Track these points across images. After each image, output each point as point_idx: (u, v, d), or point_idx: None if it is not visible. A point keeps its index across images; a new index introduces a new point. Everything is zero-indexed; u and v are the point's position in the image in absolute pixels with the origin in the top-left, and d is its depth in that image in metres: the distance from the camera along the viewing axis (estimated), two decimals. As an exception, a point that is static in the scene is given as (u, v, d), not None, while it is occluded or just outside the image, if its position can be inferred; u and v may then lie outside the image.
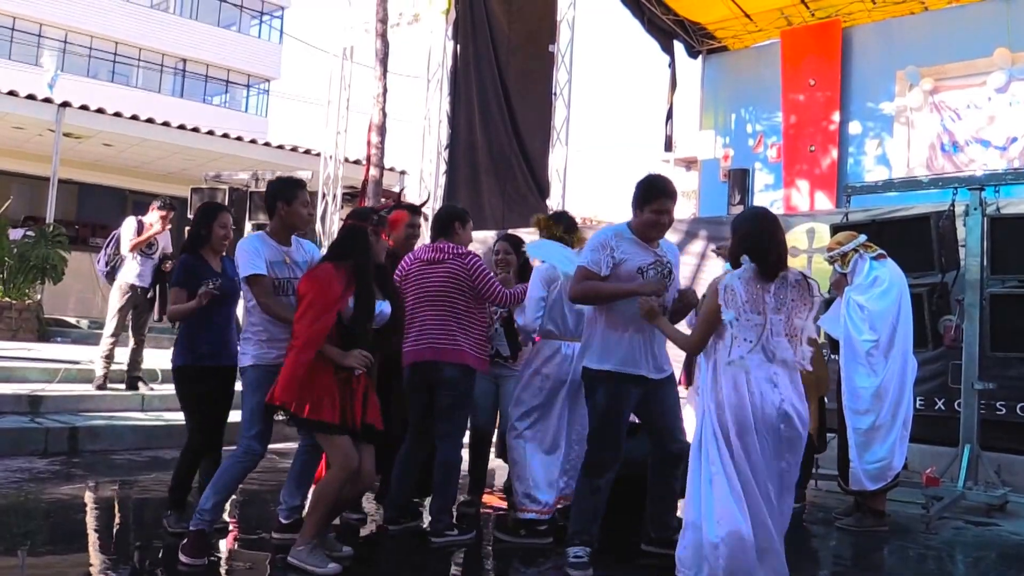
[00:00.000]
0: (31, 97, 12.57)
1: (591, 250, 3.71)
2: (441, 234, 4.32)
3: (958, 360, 5.55)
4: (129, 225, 7.26)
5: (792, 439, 3.25)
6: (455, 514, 4.30)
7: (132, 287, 7.17)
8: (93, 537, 4.22)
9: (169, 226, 7.37)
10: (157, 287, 7.22)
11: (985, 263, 5.43)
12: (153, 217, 7.26)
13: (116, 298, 7.19)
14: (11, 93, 12.34)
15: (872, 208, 6.73)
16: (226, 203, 10.47)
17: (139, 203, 7.87)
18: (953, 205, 5.70)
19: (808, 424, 3.34)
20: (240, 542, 4.20)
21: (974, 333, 5.35)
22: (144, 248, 7.20)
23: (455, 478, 4.21)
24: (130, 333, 7.34)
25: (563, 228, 4.53)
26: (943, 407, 6.14)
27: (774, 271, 3.28)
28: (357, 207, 4.02)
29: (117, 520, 4.63)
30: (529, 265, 4.83)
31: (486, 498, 5.09)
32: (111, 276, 7.26)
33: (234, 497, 5.06)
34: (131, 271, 7.18)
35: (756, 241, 3.31)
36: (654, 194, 3.70)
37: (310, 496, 3.59)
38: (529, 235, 9.42)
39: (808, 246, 7.13)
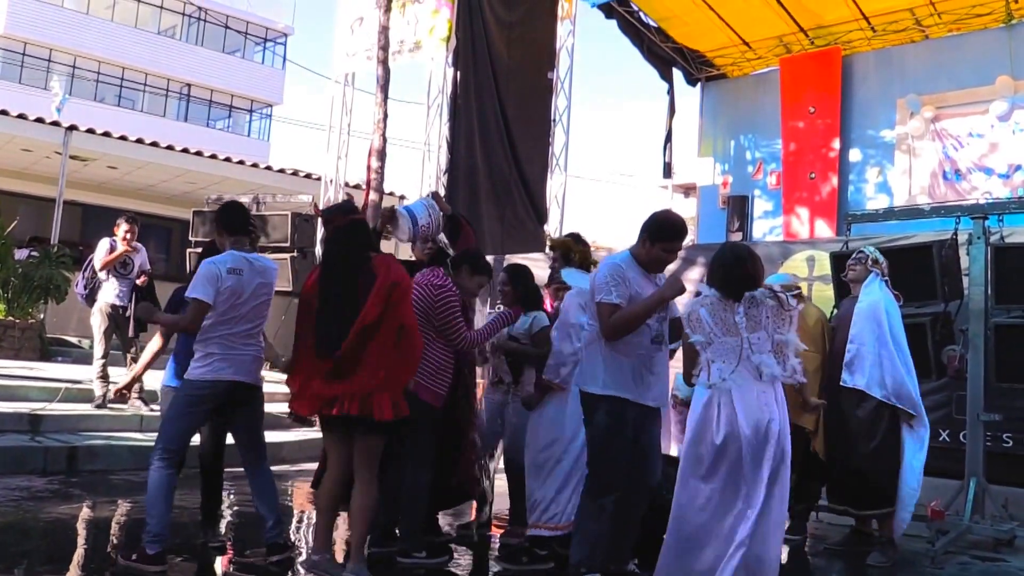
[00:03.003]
0: (39, 120, 12.69)
1: (614, 285, 3.63)
2: (453, 268, 4.41)
3: (963, 391, 5.49)
4: (102, 246, 7.33)
5: (780, 453, 3.35)
6: (417, 534, 4.23)
7: (113, 307, 7.24)
8: (90, 557, 4.19)
9: (135, 242, 7.35)
10: (132, 303, 7.25)
11: (989, 292, 5.39)
12: (120, 234, 7.30)
13: (98, 321, 7.27)
14: (20, 116, 12.45)
15: (873, 236, 6.71)
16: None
17: (144, 224, 7.91)
18: (956, 234, 5.68)
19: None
20: (235, 564, 4.16)
21: (979, 364, 5.29)
22: (119, 268, 7.24)
23: (419, 501, 4.19)
24: (123, 355, 7.35)
25: (590, 253, 4.61)
26: (947, 438, 6.08)
27: (732, 292, 3.43)
28: (332, 204, 4.05)
29: (113, 541, 4.59)
30: (534, 295, 4.84)
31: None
32: (90, 299, 7.30)
33: (229, 519, 5.05)
34: (109, 292, 7.25)
35: (711, 269, 3.55)
36: (668, 234, 3.75)
37: (353, 516, 3.71)
38: (531, 262, 9.46)
39: (809, 274, 7.12)
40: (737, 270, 3.48)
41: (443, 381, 4.20)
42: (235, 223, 4.09)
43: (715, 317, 3.43)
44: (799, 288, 5.48)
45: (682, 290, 3.66)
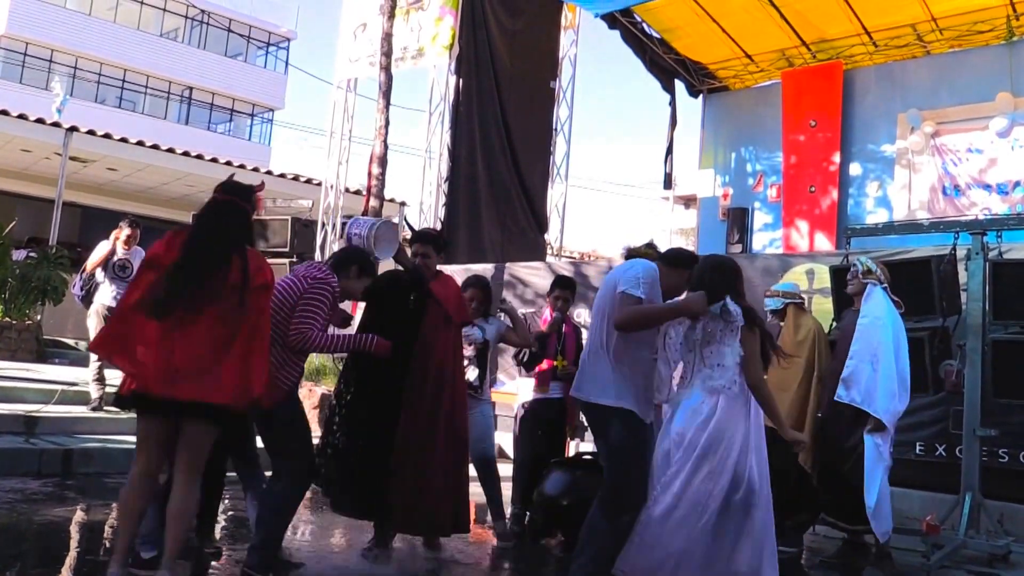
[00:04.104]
0: (40, 121, 12.69)
1: (646, 283, 3.53)
2: (338, 268, 4.00)
3: (959, 406, 5.49)
4: (100, 248, 7.31)
5: (717, 466, 3.36)
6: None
7: (109, 309, 7.20)
8: (83, 561, 4.16)
9: (135, 246, 7.32)
10: None
11: (987, 308, 5.41)
12: (121, 238, 7.28)
13: (94, 323, 7.25)
14: (21, 116, 12.46)
15: (872, 250, 6.72)
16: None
17: (143, 227, 7.87)
18: (955, 249, 5.69)
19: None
20: (228, 569, 4.14)
21: (976, 379, 5.30)
22: (118, 271, 7.23)
23: (283, 512, 3.83)
24: None
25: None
26: (944, 453, 6.08)
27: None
28: (227, 180, 3.63)
29: (107, 544, 4.56)
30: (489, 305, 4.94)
31: (481, 533, 5.03)
32: (87, 300, 7.29)
33: (222, 524, 5.03)
34: (106, 294, 7.22)
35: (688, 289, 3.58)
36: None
37: (170, 521, 3.30)
38: (531, 270, 9.43)
39: (809, 286, 7.12)
40: (706, 283, 3.52)
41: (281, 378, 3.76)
42: None
43: (684, 335, 3.53)
44: (801, 298, 5.49)
45: (705, 311, 3.53)
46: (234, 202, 3.51)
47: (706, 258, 3.74)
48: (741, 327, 3.43)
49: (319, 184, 12.76)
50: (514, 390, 5.97)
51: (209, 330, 3.22)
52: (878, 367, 4.75)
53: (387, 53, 9.65)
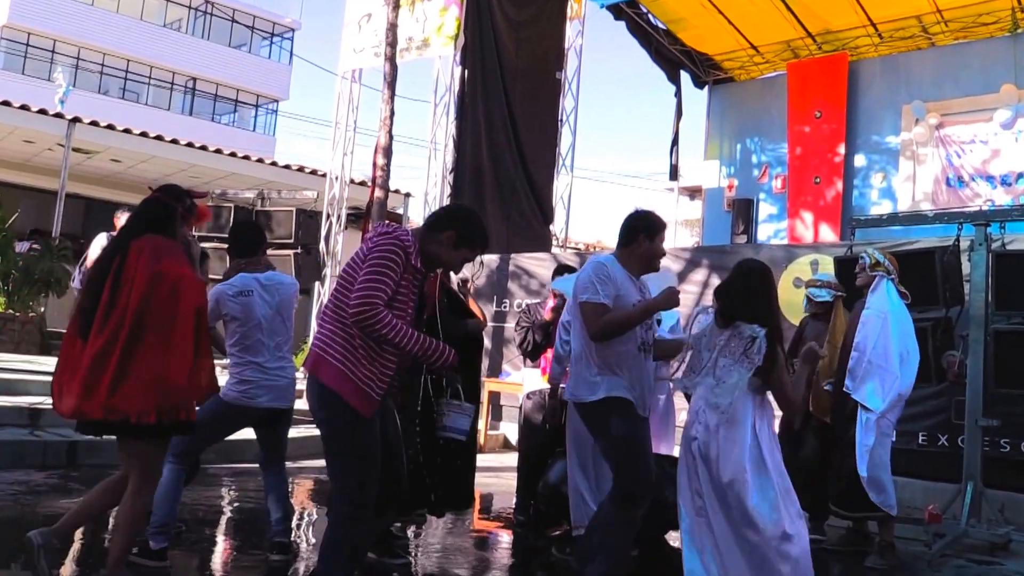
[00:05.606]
0: (42, 112, 12.67)
1: (600, 283, 3.49)
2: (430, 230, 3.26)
3: (961, 396, 5.51)
4: (98, 241, 7.27)
5: (708, 477, 3.33)
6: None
7: None
8: (88, 552, 4.18)
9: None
10: None
11: (990, 299, 5.42)
12: (118, 227, 7.23)
13: None
14: (23, 107, 12.44)
15: (876, 241, 6.73)
16: (231, 221, 10.51)
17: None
18: (958, 240, 5.70)
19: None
20: (234, 562, 4.17)
21: (978, 369, 5.32)
22: None
23: (338, 554, 3.01)
24: None
25: None
26: (946, 443, 6.10)
27: (722, 319, 3.45)
28: (169, 185, 3.41)
29: (109, 535, 4.59)
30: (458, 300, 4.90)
31: (486, 524, 5.05)
32: None
33: (229, 515, 5.06)
34: None
35: (717, 290, 3.52)
36: (662, 225, 3.73)
37: (119, 525, 3.31)
38: (537, 261, 9.42)
39: (812, 277, 7.12)
40: (730, 305, 3.46)
41: (375, 375, 2.92)
42: (244, 245, 4.12)
43: (710, 331, 3.51)
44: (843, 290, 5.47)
45: (677, 303, 3.57)
46: (156, 198, 3.32)
47: (741, 269, 3.56)
48: (757, 367, 3.31)
49: (324, 175, 12.75)
50: (519, 380, 6.00)
51: (94, 341, 3.04)
52: (873, 357, 4.77)
53: (392, 43, 9.62)
